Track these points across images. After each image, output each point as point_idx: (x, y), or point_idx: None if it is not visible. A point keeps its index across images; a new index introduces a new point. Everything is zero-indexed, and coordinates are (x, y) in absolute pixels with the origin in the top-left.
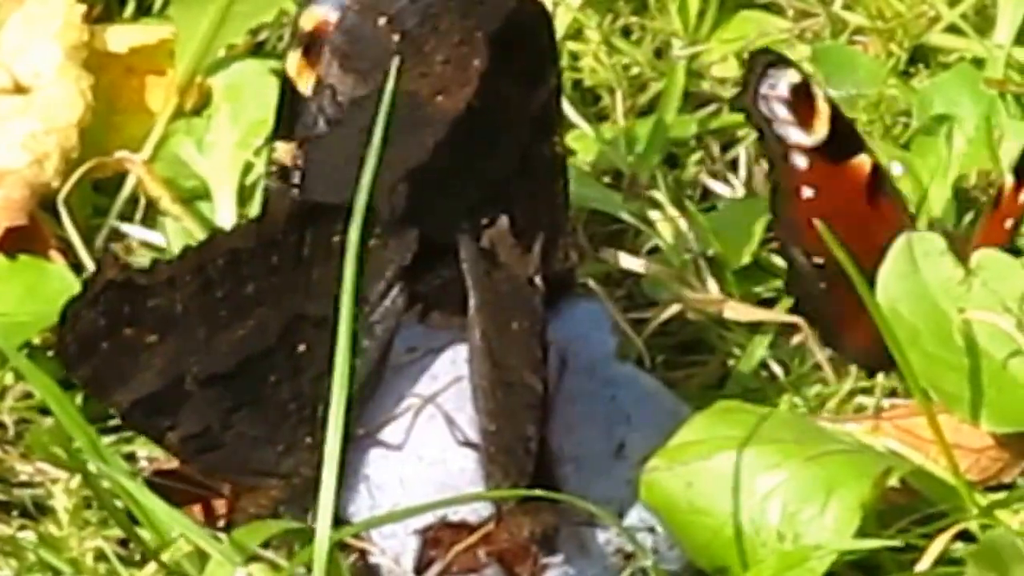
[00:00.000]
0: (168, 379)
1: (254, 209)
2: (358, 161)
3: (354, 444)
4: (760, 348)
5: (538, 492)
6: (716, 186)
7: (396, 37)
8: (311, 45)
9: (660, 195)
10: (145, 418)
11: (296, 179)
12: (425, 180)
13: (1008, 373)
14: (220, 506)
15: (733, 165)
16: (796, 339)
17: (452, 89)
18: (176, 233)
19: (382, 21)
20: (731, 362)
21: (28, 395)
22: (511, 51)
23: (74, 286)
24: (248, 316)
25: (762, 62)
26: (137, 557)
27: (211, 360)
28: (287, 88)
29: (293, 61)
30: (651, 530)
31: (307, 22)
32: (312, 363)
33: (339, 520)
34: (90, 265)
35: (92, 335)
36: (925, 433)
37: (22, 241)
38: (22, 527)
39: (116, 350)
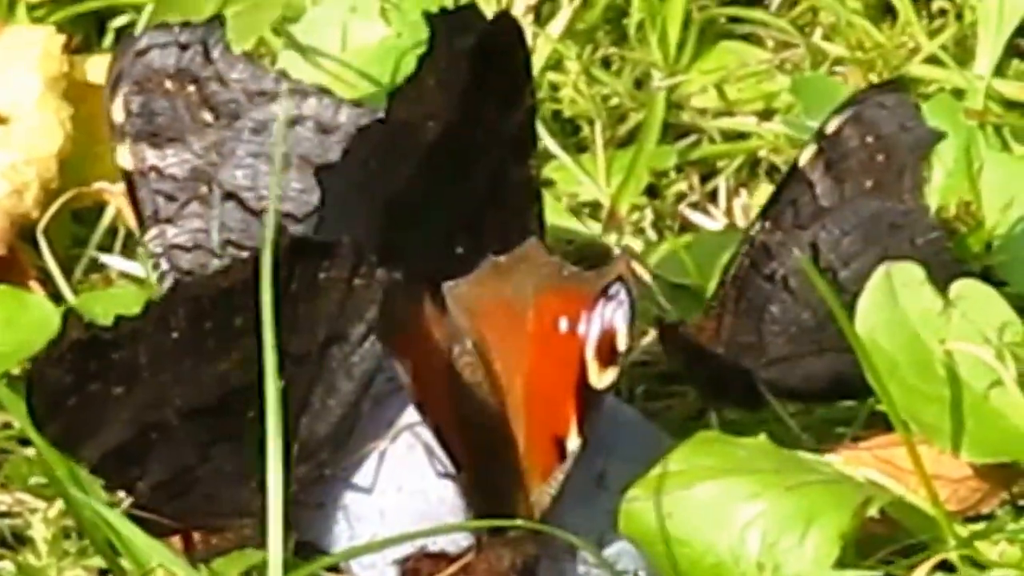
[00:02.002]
0: (135, 429)
1: None
2: (369, 195)
3: (333, 476)
4: None
5: (518, 522)
6: (696, 217)
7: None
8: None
9: (640, 226)
10: (114, 470)
11: (164, 264)
12: (404, 208)
13: (988, 404)
14: (199, 537)
15: (713, 196)
16: None
17: (439, 113)
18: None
19: (171, 85)
20: None
21: (7, 425)
22: (487, 71)
23: (53, 316)
24: (234, 349)
25: None
26: None
27: (195, 392)
28: (128, 180)
29: (124, 153)
30: (631, 560)
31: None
32: (291, 400)
33: (318, 551)
34: (69, 296)
35: (59, 393)
36: (904, 463)
37: (1, 271)
38: (0, 557)
39: (83, 405)
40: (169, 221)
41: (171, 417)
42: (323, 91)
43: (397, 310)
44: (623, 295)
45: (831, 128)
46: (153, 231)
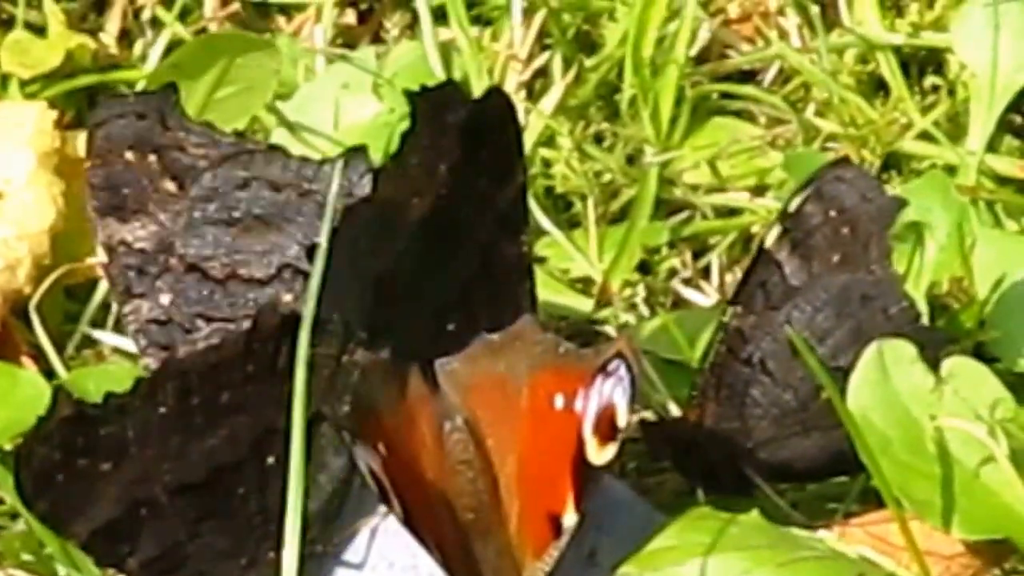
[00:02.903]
0: (124, 505)
1: None
2: (359, 273)
3: (323, 552)
4: None
5: None
6: (688, 293)
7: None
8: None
9: (632, 302)
10: (105, 546)
11: (142, 341)
12: (394, 286)
13: (980, 480)
14: None
15: (705, 272)
16: None
17: (425, 190)
18: None
19: (132, 156)
20: None
21: (0, 501)
22: (478, 147)
23: (45, 393)
24: (222, 425)
25: None
26: None
27: (183, 469)
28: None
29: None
30: None
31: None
32: (280, 477)
33: None
34: (62, 372)
35: (47, 470)
36: (897, 540)
37: None
38: None
39: (71, 481)
40: (143, 296)
41: (160, 494)
42: (274, 148)
43: (373, 392)
44: (623, 372)
45: (793, 206)
46: (128, 307)
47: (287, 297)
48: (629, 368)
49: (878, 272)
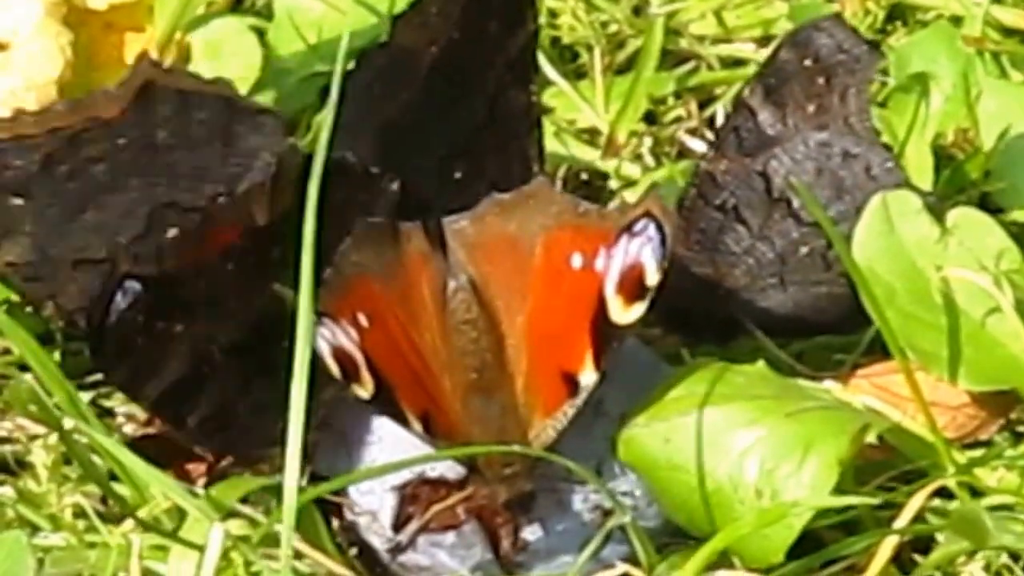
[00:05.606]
0: (190, 363)
1: None
2: (371, 119)
3: (333, 401)
4: None
5: (516, 448)
6: (693, 143)
7: None
8: None
9: (638, 153)
10: (170, 407)
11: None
12: (404, 132)
13: (985, 331)
14: (197, 468)
15: (711, 122)
16: None
17: (442, 39)
18: None
19: None
20: None
21: (7, 351)
22: None
23: None
24: (268, 281)
25: None
26: (116, 513)
27: (236, 328)
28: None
29: None
30: (630, 487)
31: None
32: None
33: (317, 477)
34: None
35: (128, 334)
36: (902, 391)
37: None
38: (1, 483)
39: (150, 344)
40: (54, 296)
41: (217, 352)
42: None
43: (358, 262)
44: (652, 231)
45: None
46: (47, 310)
47: (172, 232)
48: (659, 227)
49: (857, 126)
